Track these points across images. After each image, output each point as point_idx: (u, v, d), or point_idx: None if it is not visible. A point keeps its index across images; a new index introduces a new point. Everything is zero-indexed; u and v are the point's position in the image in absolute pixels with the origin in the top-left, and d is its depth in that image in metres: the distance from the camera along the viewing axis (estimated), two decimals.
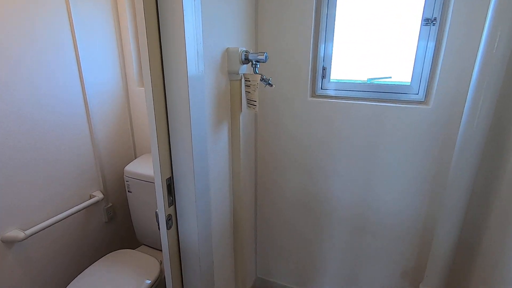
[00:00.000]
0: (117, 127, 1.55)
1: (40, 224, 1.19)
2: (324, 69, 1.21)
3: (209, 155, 0.97)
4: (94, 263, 1.30)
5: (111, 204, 1.55)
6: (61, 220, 1.26)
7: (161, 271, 1.29)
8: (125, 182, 1.41)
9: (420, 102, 1.10)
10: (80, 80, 1.31)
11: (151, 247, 1.50)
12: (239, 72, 1.02)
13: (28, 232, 1.13)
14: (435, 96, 1.05)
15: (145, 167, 1.39)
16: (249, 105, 1.09)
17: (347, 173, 1.25)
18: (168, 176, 0.88)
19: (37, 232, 1.17)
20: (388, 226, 1.26)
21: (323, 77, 1.22)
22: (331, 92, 1.23)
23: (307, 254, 1.46)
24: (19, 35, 1.06)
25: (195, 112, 0.82)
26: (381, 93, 1.16)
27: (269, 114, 1.32)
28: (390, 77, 1.16)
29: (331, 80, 1.22)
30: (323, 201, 1.34)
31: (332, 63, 1.20)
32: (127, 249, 1.42)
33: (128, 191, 1.43)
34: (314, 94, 1.24)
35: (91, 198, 1.43)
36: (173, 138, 0.86)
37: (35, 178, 1.18)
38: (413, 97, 1.11)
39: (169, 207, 0.90)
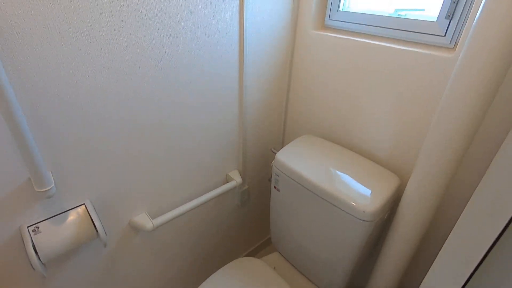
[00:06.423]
0: (271, 92, 1.07)
1: (169, 213, 0.91)
2: None
3: None
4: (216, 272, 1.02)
5: (246, 187, 1.20)
6: (194, 208, 0.97)
7: None
8: (272, 175, 0.98)
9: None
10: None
11: (285, 258, 1.13)
12: None
13: (157, 222, 0.88)
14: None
15: (310, 165, 0.89)
16: None
17: None
18: None
19: (166, 223, 0.92)
20: None
21: None
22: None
23: None
24: None
25: None
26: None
27: None
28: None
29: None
30: None
31: None
32: (257, 260, 1.07)
33: (275, 187, 1.00)
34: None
35: (227, 180, 1.10)
36: None
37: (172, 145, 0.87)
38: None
39: None
